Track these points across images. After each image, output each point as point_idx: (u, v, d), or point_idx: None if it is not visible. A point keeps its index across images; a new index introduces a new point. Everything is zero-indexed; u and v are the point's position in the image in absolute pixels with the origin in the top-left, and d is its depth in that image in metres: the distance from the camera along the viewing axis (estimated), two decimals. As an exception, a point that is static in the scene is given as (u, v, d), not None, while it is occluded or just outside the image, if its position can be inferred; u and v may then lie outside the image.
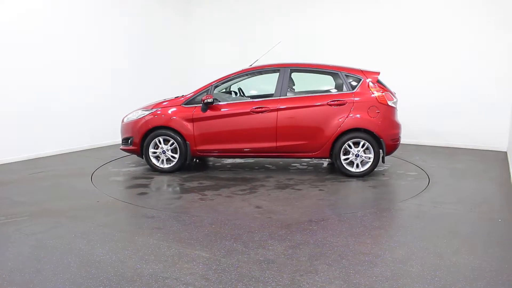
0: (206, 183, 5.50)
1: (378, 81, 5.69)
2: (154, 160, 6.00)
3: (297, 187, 5.22)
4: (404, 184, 5.40)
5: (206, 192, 5.04)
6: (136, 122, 6.02)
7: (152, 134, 5.92)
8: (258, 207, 4.44)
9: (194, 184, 5.46)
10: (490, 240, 3.51)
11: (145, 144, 5.95)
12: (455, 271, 2.94)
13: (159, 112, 5.97)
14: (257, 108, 5.70)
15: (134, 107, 8.74)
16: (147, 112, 6.03)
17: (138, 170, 6.23)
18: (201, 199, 4.80)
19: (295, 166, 6.39)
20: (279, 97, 5.72)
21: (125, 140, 6.16)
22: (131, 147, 6.05)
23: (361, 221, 3.97)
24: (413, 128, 7.92)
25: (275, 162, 6.67)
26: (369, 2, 8.40)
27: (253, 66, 6.18)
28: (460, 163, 6.59)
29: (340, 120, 5.54)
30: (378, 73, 5.76)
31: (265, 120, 5.68)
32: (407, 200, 4.66)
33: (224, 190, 5.12)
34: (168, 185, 5.49)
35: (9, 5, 6.50)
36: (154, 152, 5.98)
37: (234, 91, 6.46)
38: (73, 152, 7.55)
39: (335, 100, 5.58)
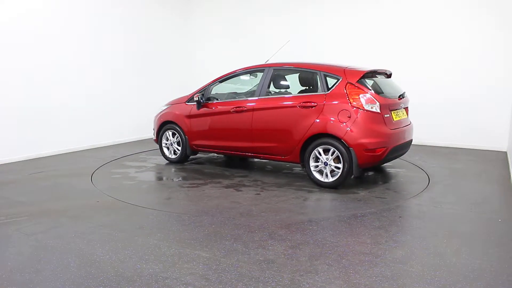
0: (181, 174, 5.96)
1: (359, 81, 5.01)
2: (165, 150, 6.73)
3: (243, 189, 5.12)
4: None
5: (159, 182, 5.72)
6: (157, 116, 6.84)
7: (164, 127, 6.65)
8: (168, 198, 4.77)
9: (172, 174, 6.02)
10: (490, 240, 3.51)
11: (159, 136, 6.73)
12: (455, 271, 2.94)
13: (170, 108, 6.61)
14: (236, 107, 5.76)
15: (134, 107, 8.82)
16: (165, 107, 6.76)
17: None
18: (145, 187, 5.38)
19: (293, 170, 6.24)
20: (257, 97, 5.65)
21: (153, 131, 6.94)
22: (154, 137, 6.88)
23: (361, 221, 3.97)
24: (413, 128, 7.90)
25: (279, 165, 6.63)
26: (369, 1, 8.40)
27: (267, 63, 6.11)
28: (460, 163, 6.59)
29: (308, 123, 5.12)
30: (363, 73, 5.09)
31: (242, 120, 5.70)
32: (407, 200, 4.67)
33: (175, 182, 5.56)
34: (148, 172, 6.14)
35: (9, 5, 6.49)
36: (166, 144, 6.70)
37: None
38: (73, 152, 7.55)
39: (306, 102, 5.19)
